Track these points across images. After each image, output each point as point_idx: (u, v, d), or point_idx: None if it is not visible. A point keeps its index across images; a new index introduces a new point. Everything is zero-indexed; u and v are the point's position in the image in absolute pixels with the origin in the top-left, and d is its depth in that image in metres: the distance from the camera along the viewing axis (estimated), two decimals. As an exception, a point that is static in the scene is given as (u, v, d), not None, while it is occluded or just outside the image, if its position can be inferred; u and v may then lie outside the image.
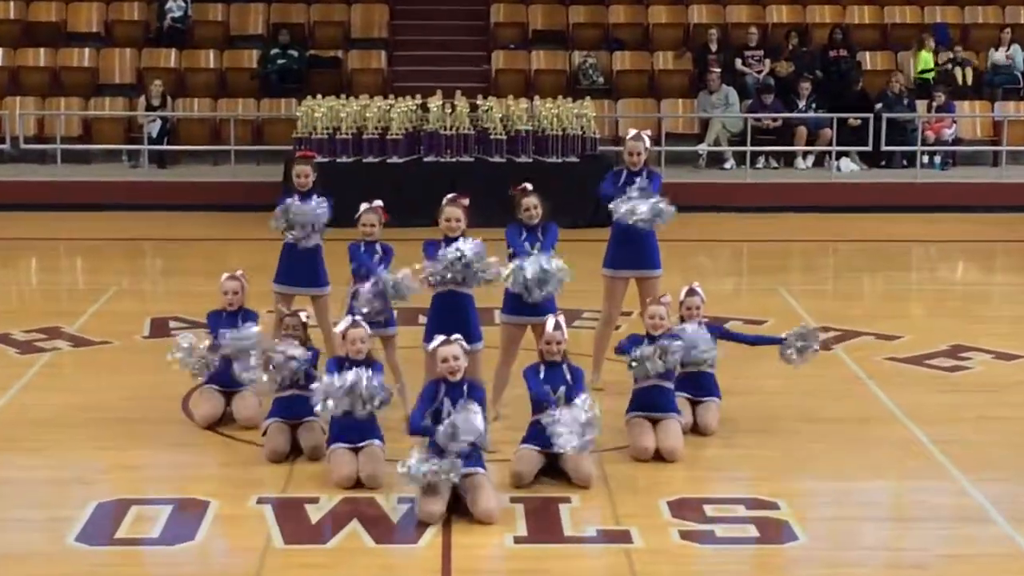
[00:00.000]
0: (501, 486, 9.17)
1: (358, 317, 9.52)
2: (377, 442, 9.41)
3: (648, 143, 11.30)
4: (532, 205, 10.43)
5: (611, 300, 11.34)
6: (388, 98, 20.10)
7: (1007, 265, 18.23)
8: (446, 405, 8.85)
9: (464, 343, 9.03)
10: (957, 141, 22.95)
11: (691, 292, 10.60)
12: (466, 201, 10.16)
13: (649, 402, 9.97)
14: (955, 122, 22.78)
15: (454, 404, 8.82)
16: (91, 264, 17.70)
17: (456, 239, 9.96)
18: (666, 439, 9.82)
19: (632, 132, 11.40)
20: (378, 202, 10.66)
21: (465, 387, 8.94)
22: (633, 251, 11.18)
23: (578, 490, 9.21)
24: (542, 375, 9.34)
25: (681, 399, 10.29)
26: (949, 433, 10.55)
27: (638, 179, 11.11)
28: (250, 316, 10.57)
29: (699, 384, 10.50)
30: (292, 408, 9.81)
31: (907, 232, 19.58)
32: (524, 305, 10.24)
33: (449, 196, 10.23)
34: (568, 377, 9.36)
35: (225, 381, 10.56)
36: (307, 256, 11.05)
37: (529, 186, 10.54)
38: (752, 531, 8.68)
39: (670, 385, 10.03)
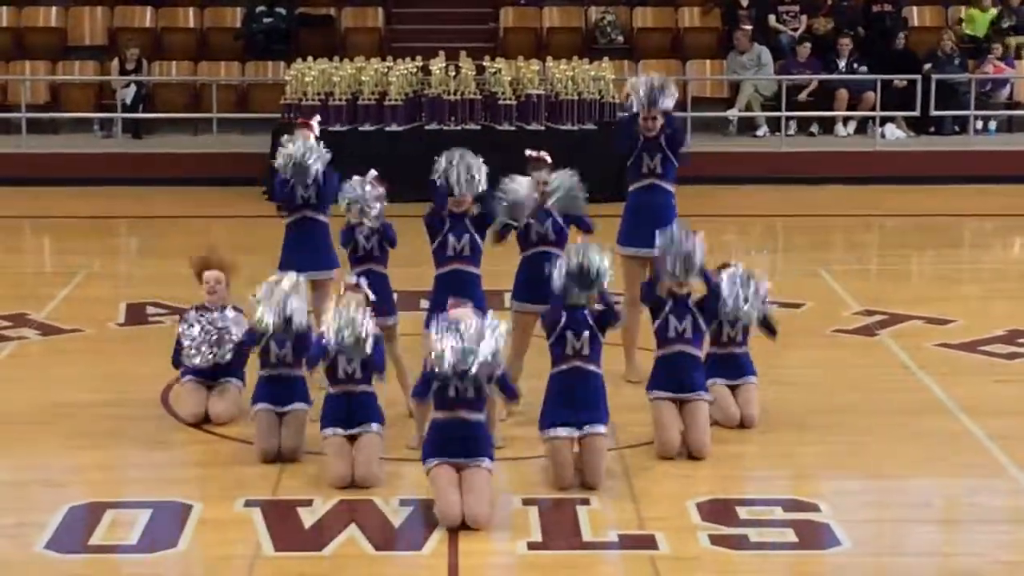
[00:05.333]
0: (509, 484, 9.20)
1: (356, 279, 9.49)
2: (375, 427, 9.39)
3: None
4: (543, 180, 10.46)
5: (631, 280, 11.32)
6: (386, 60, 20.10)
7: (1070, 241, 18.26)
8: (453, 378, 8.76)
9: (475, 308, 8.94)
10: (1015, 105, 22.92)
11: (726, 267, 10.59)
12: None
13: (675, 373, 9.84)
14: (1012, 83, 22.75)
15: (462, 377, 8.71)
16: (60, 244, 17.72)
17: (462, 216, 9.97)
18: (694, 432, 9.80)
19: None
20: (372, 173, 10.60)
21: None
22: (648, 227, 11.11)
23: (597, 491, 9.22)
24: (563, 319, 9.29)
25: (717, 388, 10.28)
26: (1007, 427, 10.54)
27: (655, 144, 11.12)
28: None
29: (734, 364, 10.48)
30: (277, 391, 9.79)
31: (959, 205, 19.55)
32: (537, 291, 10.25)
33: None
34: (591, 321, 9.30)
35: (206, 373, 10.58)
36: (314, 235, 11.02)
37: (547, 157, 10.55)
38: (790, 535, 8.68)
39: (697, 352, 9.94)
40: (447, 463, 8.78)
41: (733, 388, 10.49)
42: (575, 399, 9.30)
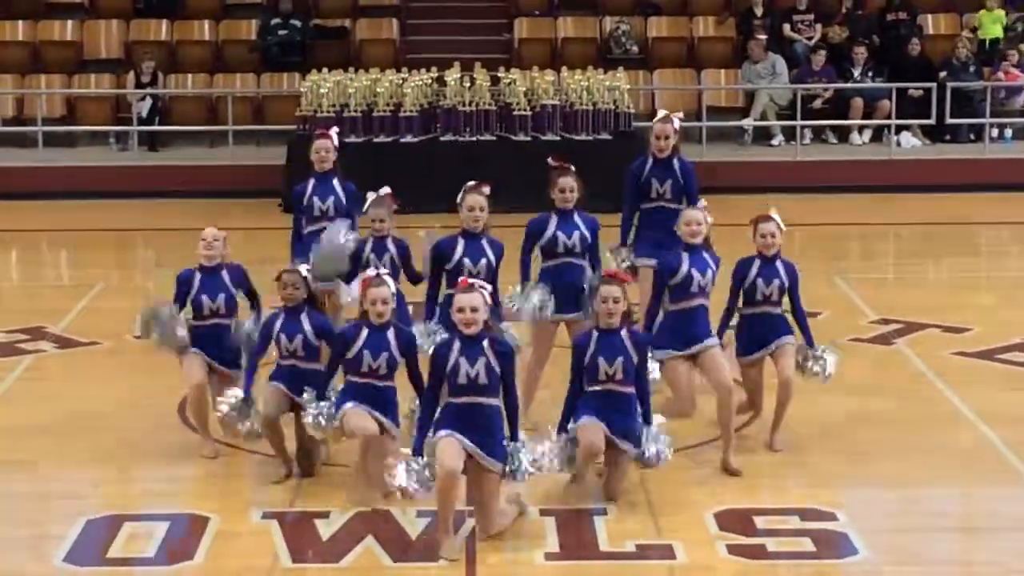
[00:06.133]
0: (526, 495, 9.20)
1: (383, 271, 9.32)
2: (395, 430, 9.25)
3: (678, 125, 11.28)
4: (568, 187, 10.42)
5: (645, 290, 11.33)
6: (401, 71, 20.14)
7: (1087, 249, 18.21)
8: (463, 365, 8.51)
9: (487, 293, 8.67)
10: (1030, 112, 22.91)
11: (765, 218, 10.27)
12: (487, 189, 10.09)
13: (684, 330, 9.73)
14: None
15: (472, 364, 8.49)
16: (77, 257, 17.75)
17: (480, 234, 9.91)
18: (714, 374, 9.59)
19: (661, 113, 11.44)
20: (385, 189, 10.60)
21: (486, 342, 8.55)
22: (657, 238, 11.11)
23: (615, 500, 9.21)
24: (593, 345, 9.07)
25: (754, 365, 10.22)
26: (1024, 435, 10.54)
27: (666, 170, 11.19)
28: (234, 272, 10.40)
29: (770, 324, 10.25)
30: (293, 383, 9.54)
31: (975, 213, 19.53)
32: (556, 300, 10.27)
33: (470, 183, 10.16)
34: (628, 345, 9.06)
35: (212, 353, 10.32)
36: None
37: (571, 166, 10.58)
38: (808, 545, 8.67)
39: (706, 302, 9.76)
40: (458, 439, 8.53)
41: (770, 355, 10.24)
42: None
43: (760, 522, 8.96)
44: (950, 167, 21.29)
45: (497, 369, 8.52)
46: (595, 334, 9.06)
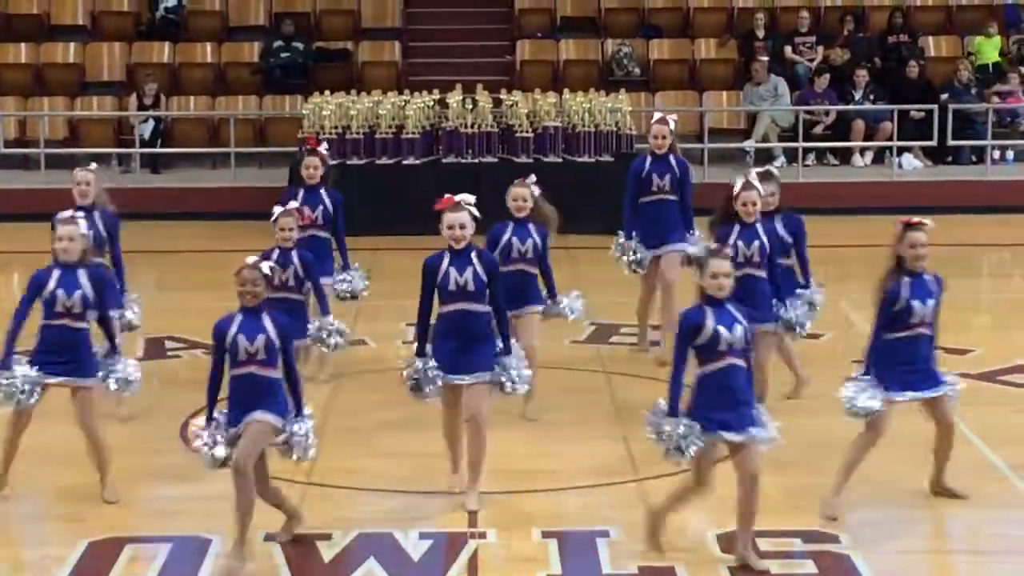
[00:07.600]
0: (529, 516, 9.17)
1: (78, 215, 9.86)
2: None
3: (673, 126, 12.38)
4: (772, 192, 11.04)
5: (645, 278, 12.50)
6: (403, 94, 20.15)
7: (1089, 270, 18.20)
8: (452, 274, 9.15)
9: (475, 210, 9.23)
10: (1031, 134, 22.92)
11: (746, 186, 10.62)
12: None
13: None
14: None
15: (460, 272, 9.14)
16: (79, 279, 17.71)
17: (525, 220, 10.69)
18: None
19: (657, 115, 12.60)
20: (293, 203, 11.15)
21: (473, 253, 9.22)
22: (658, 228, 12.29)
23: (617, 523, 9.19)
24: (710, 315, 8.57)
25: None
26: (1027, 457, 10.51)
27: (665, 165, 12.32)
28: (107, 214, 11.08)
29: (753, 294, 10.50)
30: (249, 395, 8.59)
31: (977, 235, 19.51)
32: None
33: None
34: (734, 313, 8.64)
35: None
36: (323, 249, 11.83)
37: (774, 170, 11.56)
38: (811, 567, 8.66)
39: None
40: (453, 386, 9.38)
41: None
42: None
43: (763, 544, 8.92)
44: (952, 189, 21.29)
45: (484, 276, 9.19)
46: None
